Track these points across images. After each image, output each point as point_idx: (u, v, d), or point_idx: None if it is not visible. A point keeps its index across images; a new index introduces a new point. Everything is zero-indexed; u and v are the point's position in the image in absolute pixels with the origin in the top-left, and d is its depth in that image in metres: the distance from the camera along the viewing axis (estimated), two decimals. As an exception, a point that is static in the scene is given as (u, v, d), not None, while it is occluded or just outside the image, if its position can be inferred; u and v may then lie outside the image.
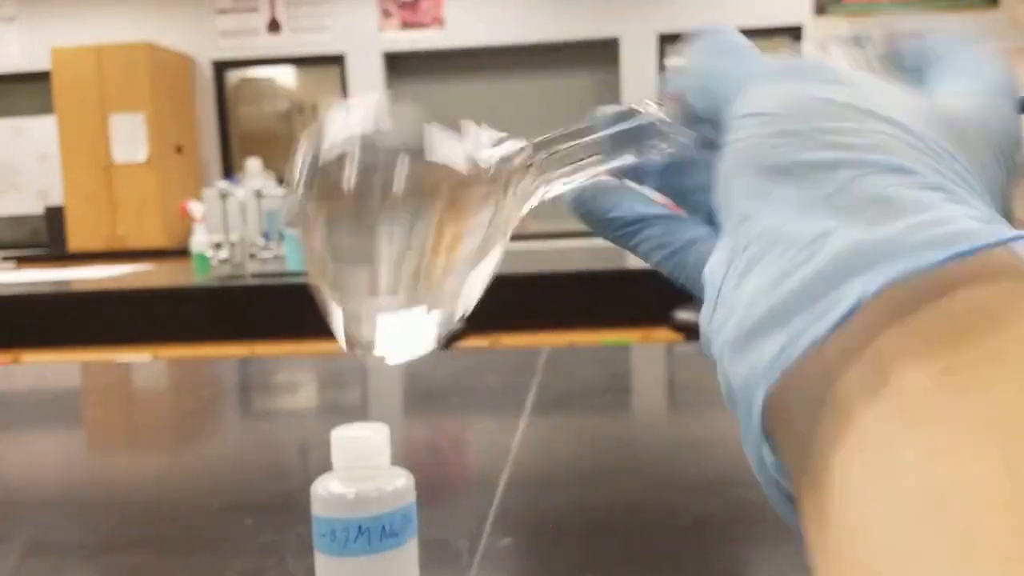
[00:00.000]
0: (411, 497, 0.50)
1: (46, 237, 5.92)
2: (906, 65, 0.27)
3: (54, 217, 5.82)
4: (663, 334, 2.53)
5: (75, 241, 5.71)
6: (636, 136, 0.28)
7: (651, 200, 0.30)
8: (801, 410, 0.21)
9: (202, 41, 6.14)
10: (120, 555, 0.67)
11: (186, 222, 4.14)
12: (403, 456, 0.57)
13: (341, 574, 0.49)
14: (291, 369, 1.53)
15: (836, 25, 5.79)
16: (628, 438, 0.95)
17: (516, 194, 0.27)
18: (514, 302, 2.93)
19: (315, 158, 0.25)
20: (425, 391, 1.27)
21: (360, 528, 0.48)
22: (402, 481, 0.50)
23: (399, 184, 0.24)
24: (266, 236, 4.25)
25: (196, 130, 6.19)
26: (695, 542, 0.62)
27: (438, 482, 0.79)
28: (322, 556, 0.49)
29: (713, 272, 0.24)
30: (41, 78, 5.87)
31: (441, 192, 0.25)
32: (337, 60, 6.12)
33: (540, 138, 0.28)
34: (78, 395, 1.41)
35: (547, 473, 0.82)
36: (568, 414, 1.04)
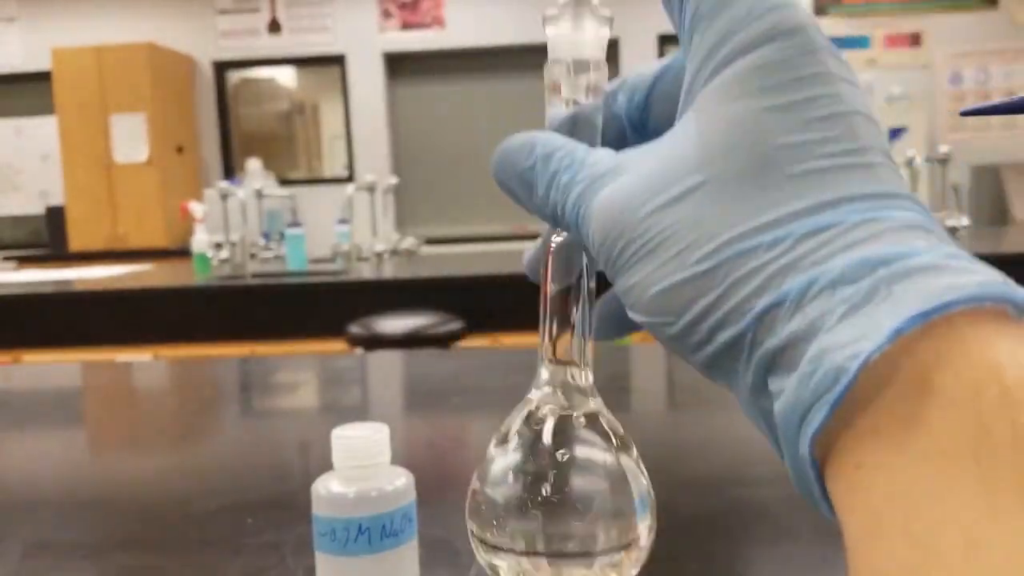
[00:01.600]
0: (411, 497, 0.50)
1: (47, 237, 5.93)
2: None
3: (55, 217, 5.82)
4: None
5: (76, 241, 5.71)
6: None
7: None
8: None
9: (203, 41, 6.14)
10: (120, 555, 0.67)
11: (187, 222, 4.14)
12: (403, 456, 0.57)
13: (341, 573, 0.49)
14: (291, 369, 1.53)
15: (836, 25, 5.78)
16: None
17: None
18: (514, 302, 2.93)
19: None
20: (425, 391, 1.27)
21: (360, 527, 0.48)
22: (402, 481, 0.50)
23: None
24: (266, 236, 4.25)
25: (197, 130, 6.20)
26: (694, 541, 0.62)
27: (438, 482, 0.79)
28: (322, 555, 0.49)
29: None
30: (42, 78, 5.87)
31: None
32: (337, 60, 6.12)
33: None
34: (78, 395, 1.41)
35: (547, 473, 0.81)
36: (568, 414, 1.04)
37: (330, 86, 6.19)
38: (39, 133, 5.98)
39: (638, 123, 0.31)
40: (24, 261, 5.26)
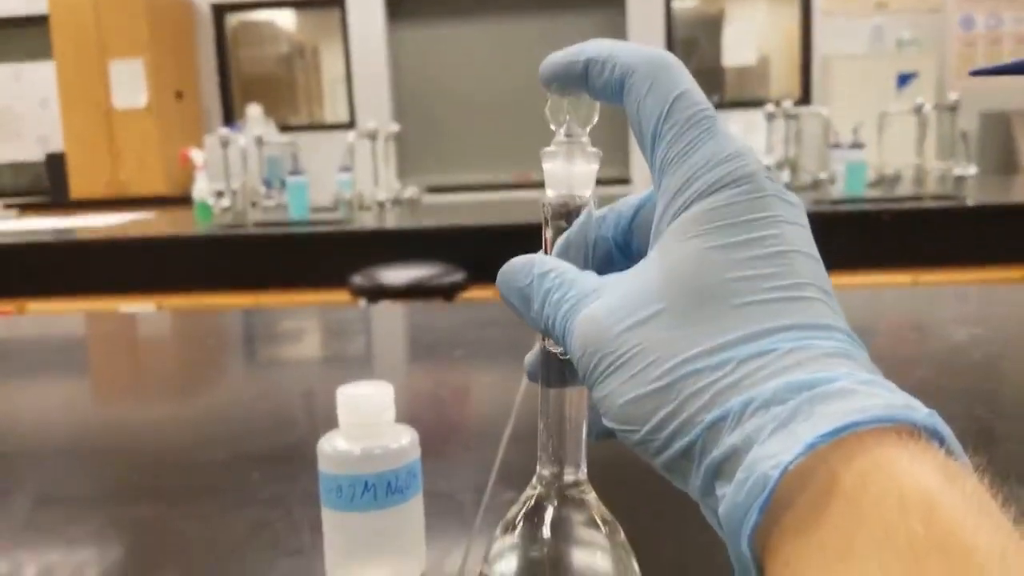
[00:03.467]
0: (416, 454, 0.50)
1: (48, 184, 5.90)
2: None
3: (55, 164, 5.79)
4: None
5: (77, 188, 5.68)
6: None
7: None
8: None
9: (201, -16, 6.04)
10: (127, 506, 0.68)
11: (187, 169, 4.12)
12: (407, 409, 0.57)
13: (347, 528, 0.50)
14: (295, 321, 1.53)
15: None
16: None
17: None
18: (518, 253, 2.92)
19: None
20: (429, 343, 1.27)
21: (367, 484, 0.49)
22: (407, 439, 0.50)
23: None
24: (267, 184, 4.22)
25: (196, 75, 6.13)
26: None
27: (442, 436, 0.80)
28: (329, 511, 0.50)
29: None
30: (39, 22, 5.79)
31: None
32: (337, 2, 6.02)
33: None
34: (83, 346, 1.41)
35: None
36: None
37: (330, 29, 6.10)
38: (38, 78, 5.92)
39: (623, 245, 0.35)
40: (25, 209, 5.24)
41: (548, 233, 0.34)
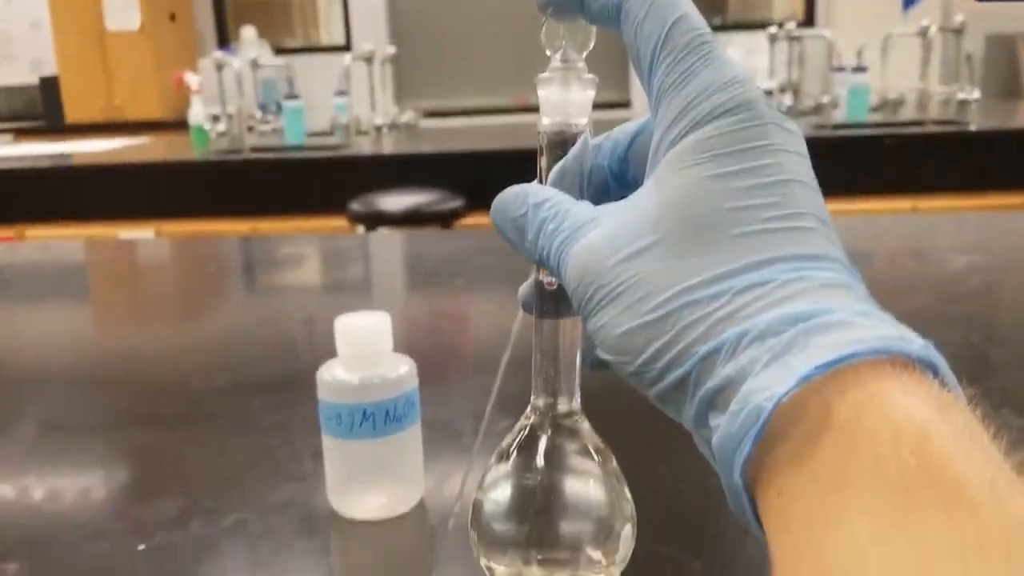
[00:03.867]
0: (413, 383, 0.51)
1: (42, 108, 5.82)
2: None
3: (49, 88, 5.70)
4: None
5: (72, 112, 5.61)
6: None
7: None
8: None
9: (190, -101, 5.85)
10: (129, 432, 0.69)
11: (183, 93, 4.05)
12: (406, 337, 0.57)
13: (348, 455, 0.51)
14: (293, 246, 1.53)
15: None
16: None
17: None
18: (516, 178, 2.89)
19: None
20: (427, 272, 1.27)
21: (365, 413, 0.49)
22: (405, 368, 0.51)
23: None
24: (263, 108, 4.16)
25: (189, -5, 5.98)
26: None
27: (440, 364, 0.81)
28: (329, 438, 0.51)
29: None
30: (25, -61, 5.62)
31: None
32: (332, -81, 5.84)
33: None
34: (83, 273, 1.41)
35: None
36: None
37: (325, -53, 5.93)
38: (28, -1, 5.78)
39: (619, 174, 0.34)
40: (21, 133, 5.18)
41: (543, 161, 0.34)
